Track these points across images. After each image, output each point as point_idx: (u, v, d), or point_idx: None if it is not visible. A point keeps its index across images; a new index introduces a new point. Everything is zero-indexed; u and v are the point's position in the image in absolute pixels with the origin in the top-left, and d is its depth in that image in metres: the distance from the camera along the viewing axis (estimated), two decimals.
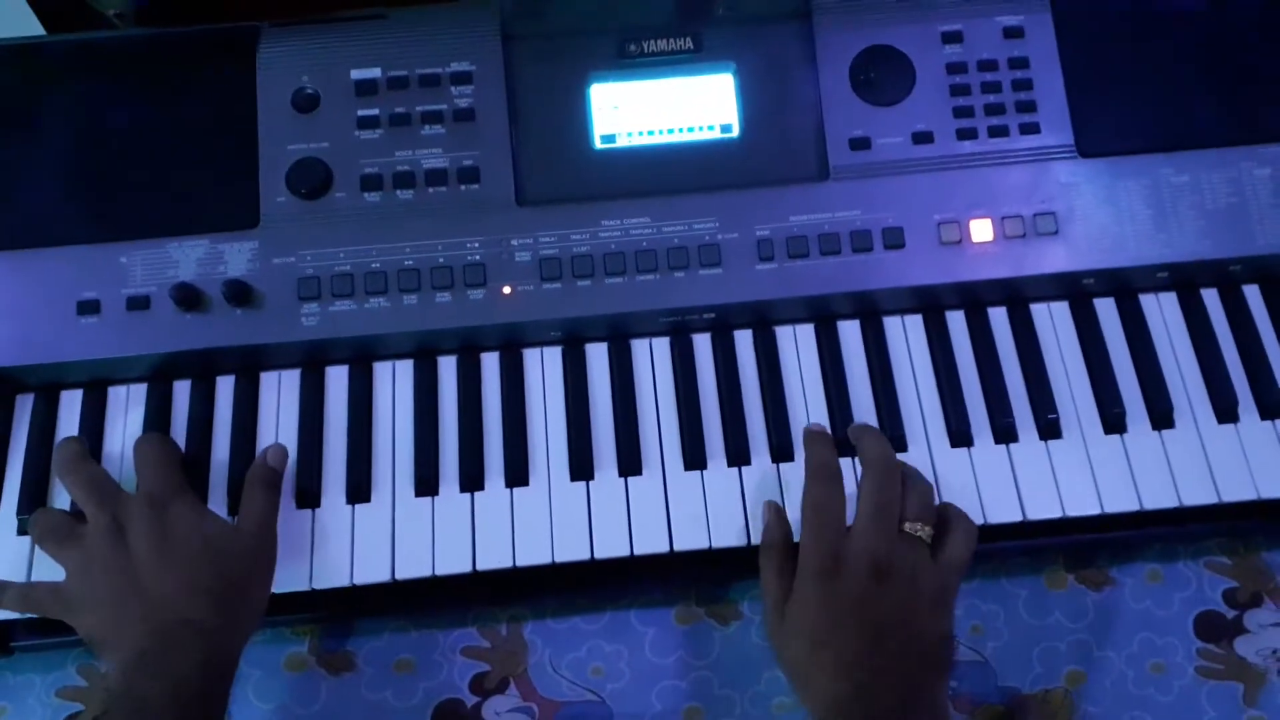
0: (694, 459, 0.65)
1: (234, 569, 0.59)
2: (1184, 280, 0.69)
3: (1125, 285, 0.69)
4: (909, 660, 0.56)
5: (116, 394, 0.67)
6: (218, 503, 0.64)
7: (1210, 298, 0.69)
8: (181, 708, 0.54)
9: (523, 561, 0.62)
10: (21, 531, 0.63)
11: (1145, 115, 0.69)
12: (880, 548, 0.57)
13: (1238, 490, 0.63)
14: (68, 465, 0.61)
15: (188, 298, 0.64)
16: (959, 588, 0.59)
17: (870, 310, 0.68)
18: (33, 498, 0.64)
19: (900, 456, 0.64)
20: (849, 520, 0.59)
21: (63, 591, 0.59)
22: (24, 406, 0.66)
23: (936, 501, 0.62)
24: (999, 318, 0.68)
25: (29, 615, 0.60)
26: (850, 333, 0.68)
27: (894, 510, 0.59)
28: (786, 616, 0.58)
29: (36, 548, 0.61)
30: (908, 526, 0.58)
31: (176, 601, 0.56)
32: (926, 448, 0.65)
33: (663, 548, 0.62)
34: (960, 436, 0.65)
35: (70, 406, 0.66)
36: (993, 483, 0.64)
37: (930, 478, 0.63)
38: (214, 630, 0.56)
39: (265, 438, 0.65)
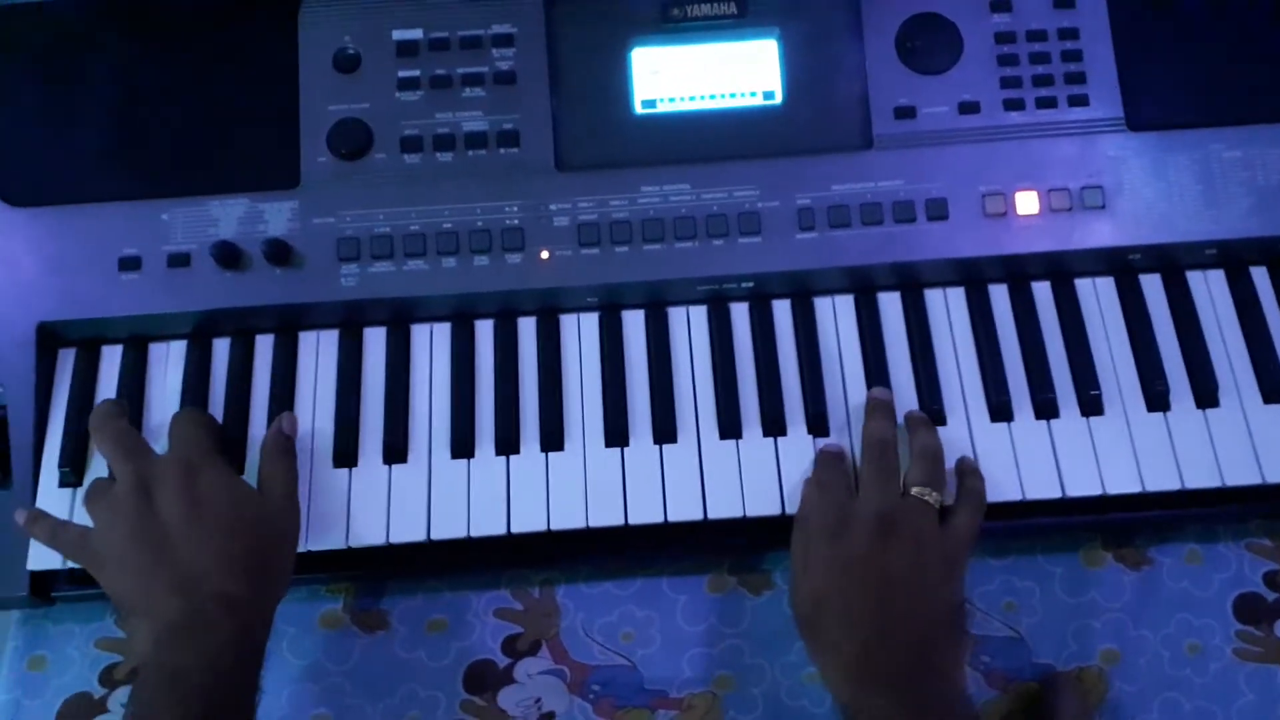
0: (729, 428, 0.64)
1: (265, 539, 0.59)
2: (1232, 258, 0.68)
3: (1172, 262, 0.68)
4: (916, 621, 0.56)
5: (157, 350, 0.67)
6: (255, 460, 0.64)
7: (1259, 276, 0.68)
8: (216, 680, 0.54)
9: (557, 525, 0.62)
10: (64, 483, 0.64)
11: (1196, 89, 0.68)
12: (885, 506, 0.58)
13: None
14: (99, 421, 0.62)
15: (228, 256, 0.65)
16: (968, 557, 0.59)
17: (911, 282, 0.68)
18: (74, 450, 0.64)
19: (939, 430, 0.63)
20: None
21: (90, 541, 0.59)
22: (66, 361, 0.67)
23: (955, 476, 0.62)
24: (1042, 292, 0.67)
25: (71, 566, 0.61)
26: (890, 304, 0.67)
27: (896, 475, 0.60)
28: (799, 578, 0.58)
29: (79, 499, 0.62)
30: (915, 490, 0.59)
31: (209, 574, 0.56)
32: (966, 422, 0.64)
33: (697, 515, 0.62)
34: (1000, 411, 0.64)
35: (111, 362, 0.67)
36: (1032, 458, 0.63)
37: (969, 452, 0.63)
38: (246, 603, 0.56)
39: (303, 397, 0.66)
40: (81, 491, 0.62)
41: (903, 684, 0.54)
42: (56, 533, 0.60)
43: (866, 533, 0.57)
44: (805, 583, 0.58)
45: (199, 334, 0.67)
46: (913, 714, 0.54)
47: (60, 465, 0.64)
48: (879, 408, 0.63)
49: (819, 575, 0.57)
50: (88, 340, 0.67)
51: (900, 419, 0.64)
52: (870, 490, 0.59)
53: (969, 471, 0.62)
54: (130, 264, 0.65)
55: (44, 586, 0.63)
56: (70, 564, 0.61)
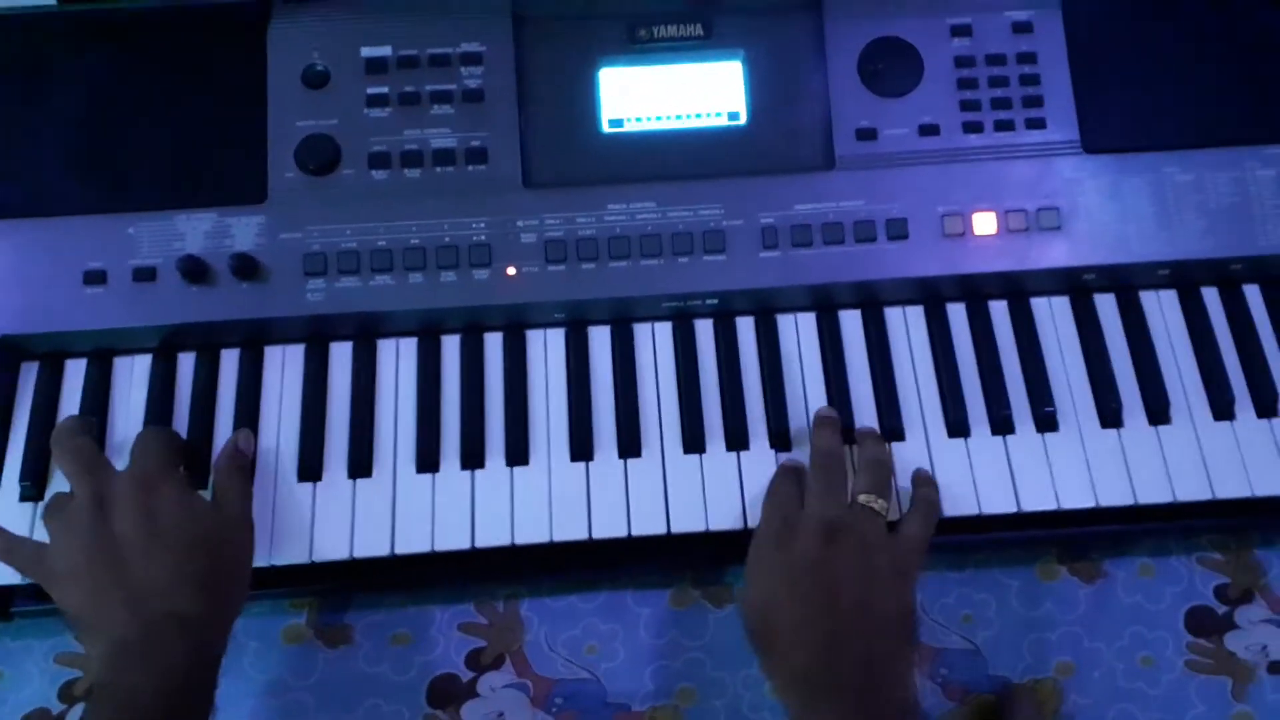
0: (693, 443, 0.65)
1: (220, 556, 0.58)
2: (1184, 278, 0.69)
3: (1126, 282, 0.69)
4: (866, 628, 0.56)
5: (121, 364, 0.67)
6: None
7: (1210, 296, 0.69)
8: (169, 700, 0.53)
9: (521, 540, 0.62)
10: (24, 498, 0.63)
11: (1151, 113, 0.70)
12: (831, 513, 0.59)
13: (1232, 487, 0.64)
14: (60, 437, 0.61)
15: (194, 270, 0.65)
16: (919, 566, 0.60)
17: (872, 300, 0.69)
18: (35, 464, 0.64)
19: (897, 446, 0.65)
20: None
21: (45, 557, 0.58)
22: (29, 374, 0.67)
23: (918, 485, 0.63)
24: (999, 311, 0.69)
25: (29, 581, 0.61)
26: (851, 322, 0.69)
27: (843, 484, 0.60)
28: (748, 588, 0.59)
29: (39, 514, 0.62)
30: (862, 498, 0.60)
31: (164, 592, 0.55)
32: (924, 437, 0.65)
33: (660, 529, 0.63)
34: (958, 427, 0.65)
35: (74, 375, 0.67)
36: (989, 473, 0.64)
37: (928, 467, 0.64)
38: (200, 622, 0.55)
39: (269, 411, 0.66)
40: (42, 506, 0.61)
41: (854, 693, 0.54)
42: (12, 549, 0.60)
43: (813, 540, 0.57)
44: (754, 592, 0.58)
45: (164, 348, 0.67)
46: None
47: (21, 479, 0.64)
48: (825, 423, 0.64)
49: (767, 584, 0.58)
50: (51, 354, 0.67)
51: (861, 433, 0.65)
52: (816, 499, 0.60)
53: (922, 481, 0.63)
54: (95, 277, 0.65)
55: (3, 602, 0.63)
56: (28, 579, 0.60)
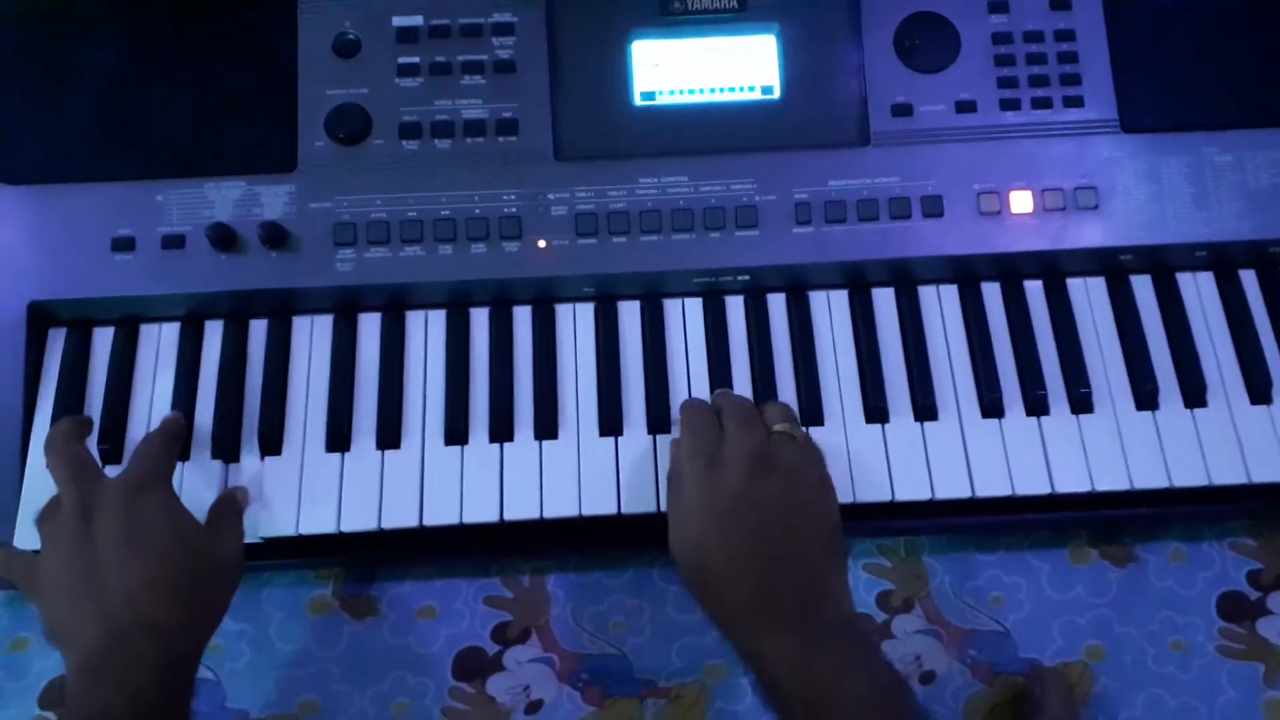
0: None
1: (201, 569, 0.56)
2: (1222, 260, 0.68)
3: (1163, 263, 0.68)
4: (800, 553, 0.56)
5: (148, 332, 0.67)
6: (249, 447, 0.64)
7: (1248, 279, 0.68)
8: (138, 716, 0.51)
9: (550, 514, 0.62)
10: None
11: (1190, 92, 0.69)
12: (753, 443, 0.58)
13: (1268, 472, 0.63)
14: (50, 442, 0.60)
15: (223, 238, 0.64)
16: (826, 469, 0.60)
17: (906, 279, 0.68)
18: None
19: (929, 426, 0.64)
20: None
21: (34, 568, 0.57)
22: (56, 341, 0.66)
23: None
24: (1035, 291, 0.68)
25: None
26: (885, 300, 0.68)
27: (757, 418, 0.60)
28: (676, 529, 0.57)
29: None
30: (778, 428, 0.59)
31: (136, 598, 0.53)
32: (958, 417, 0.65)
33: None
34: (992, 407, 0.65)
35: (102, 343, 0.66)
36: (1022, 454, 0.63)
37: (960, 447, 0.63)
38: (174, 632, 0.54)
39: (297, 381, 0.65)
40: (37, 512, 0.59)
41: (794, 617, 0.54)
42: (10, 561, 0.59)
43: (740, 472, 0.56)
44: (684, 532, 0.57)
45: (192, 317, 0.67)
46: (809, 645, 0.53)
47: None
48: (725, 393, 0.64)
49: (697, 523, 0.56)
50: (79, 321, 0.67)
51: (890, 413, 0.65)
52: (736, 432, 0.58)
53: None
54: (124, 244, 0.65)
55: None
56: None
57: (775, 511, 0.56)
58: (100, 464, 0.60)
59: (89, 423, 0.63)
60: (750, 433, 0.58)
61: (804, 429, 0.63)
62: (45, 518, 0.58)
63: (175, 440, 0.62)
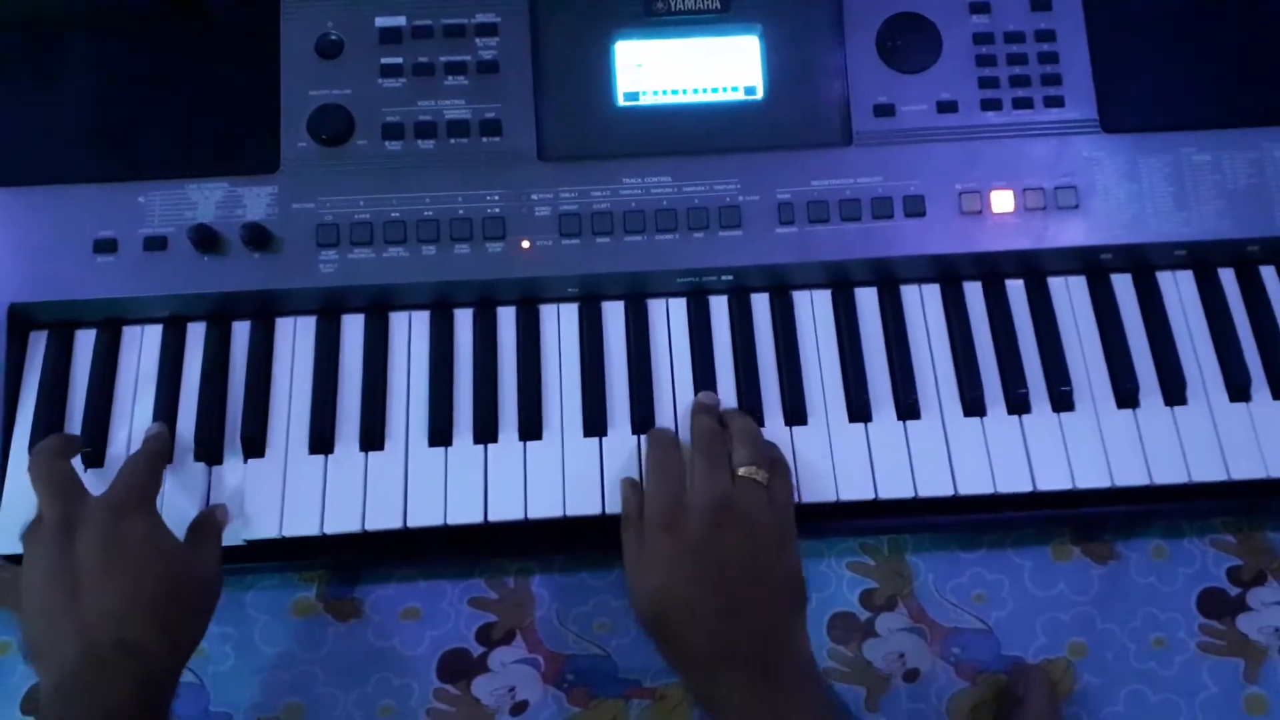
0: None
1: (181, 591, 0.56)
2: (1201, 259, 0.69)
3: (1143, 262, 0.69)
4: (760, 600, 0.56)
5: (131, 334, 0.66)
6: (232, 449, 0.64)
7: (1227, 277, 0.69)
8: None
9: (534, 515, 0.62)
10: None
11: (1169, 93, 0.69)
12: (718, 492, 0.58)
13: (1247, 468, 0.63)
14: (36, 458, 0.59)
15: (205, 240, 0.64)
16: (793, 522, 0.59)
17: (888, 278, 0.68)
18: (44, 434, 0.63)
19: (912, 425, 0.64)
20: None
21: (19, 584, 0.56)
22: (37, 344, 0.66)
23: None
24: (1016, 290, 0.68)
25: None
26: (867, 300, 0.68)
27: (725, 461, 0.59)
28: (638, 574, 0.58)
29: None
30: (743, 471, 0.59)
31: (114, 619, 0.53)
32: (940, 416, 0.65)
33: None
34: (974, 406, 0.65)
35: (84, 345, 0.66)
36: (1004, 452, 0.64)
37: (943, 445, 0.64)
38: (150, 654, 0.53)
39: (280, 382, 0.65)
40: (22, 527, 0.59)
41: (752, 664, 0.54)
42: None
43: (703, 523, 0.56)
44: (646, 579, 0.57)
45: (174, 319, 0.67)
46: (765, 691, 0.53)
47: (30, 450, 0.63)
48: (702, 408, 0.63)
49: (659, 571, 0.56)
50: (60, 323, 0.66)
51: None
52: (702, 480, 0.58)
53: (770, 444, 0.63)
54: (106, 246, 0.65)
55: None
56: None
57: (736, 561, 0.56)
58: (86, 474, 0.60)
59: (77, 440, 0.62)
60: (715, 479, 0.58)
61: (770, 462, 0.61)
62: (29, 531, 0.57)
63: (160, 459, 0.61)
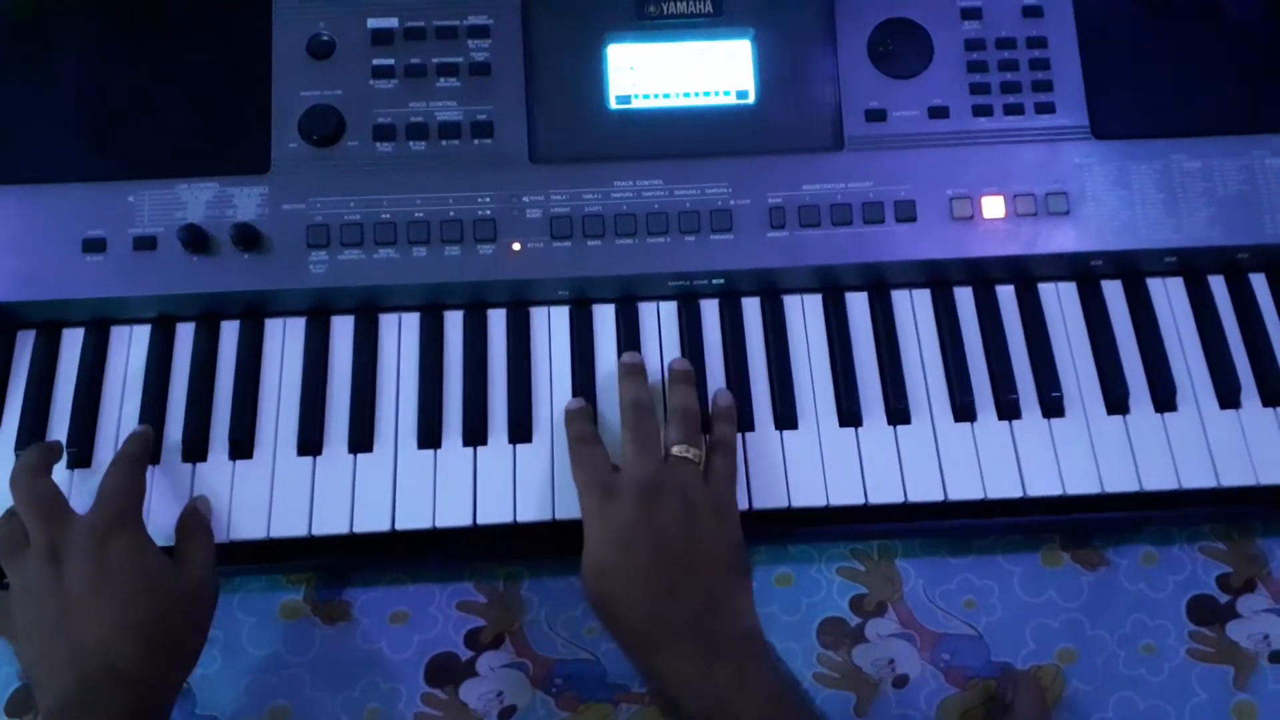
0: None
1: (173, 612, 0.56)
2: (1191, 266, 0.69)
3: (1133, 268, 0.69)
4: (697, 571, 0.56)
5: (119, 334, 0.66)
6: (218, 451, 0.63)
7: (1217, 284, 0.69)
8: None
9: (524, 518, 0.62)
10: None
11: (1160, 100, 0.69)
12: (647, 471, 0.58)
13: (1237, 475, 0.64)
14: (17, 476, 0.58)
15: (195, 240, 0.64)
16: (734, 497, 0.60)
17: (879, 283, 0.68)
18: (30, 433, 0.63)
19: (903, 429, 0.64)
20: None
21: (6, 606, 0.56)
22: (25, 343, 0.66)
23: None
24: (1006, 296, 0.68)
25: None
26: (858, 304, 0.68)
27: (656, 438, 0.60)
28: (584, 557, 0.58)
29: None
30: (676, 450, 0.60)
31: (106, 645, 0.53)
32: (930, 421, 0.65)
33: None
34: (964, 411, 0.65)
35: (71, 345, 0.66)
36: (994, 458, 0.64)
37: (932, 450, 0.64)
38: (144, 680, 0.53)
39: (269, 384, 0.65)
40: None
41: (694, 636, 0.54)
42: None
43: (633, 503, 0.57)
44: (588, 560, 0.58)
45: (163, 319, 0.66)
46: (707, 663, 0.54)
47: (16, 449, 0.63)
48: (630, 372, 0.63)
49: (596, 549, 0.57)
50: (48, 322, 0.66)
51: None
52: (632, 459, 0.59)
53: (718, 417, 0.63)
54: (95, 245, 0.64)
55: None
56: None
57: (671, 536, 0.56)
58: (72, 474, 0.59)
59: (58, 449, 0.61)
60: (644, 460, 0.59)
61: (716, 441, 0.62)
62: (12, 553, 0.56)
63: (142, 464, 0.60)
